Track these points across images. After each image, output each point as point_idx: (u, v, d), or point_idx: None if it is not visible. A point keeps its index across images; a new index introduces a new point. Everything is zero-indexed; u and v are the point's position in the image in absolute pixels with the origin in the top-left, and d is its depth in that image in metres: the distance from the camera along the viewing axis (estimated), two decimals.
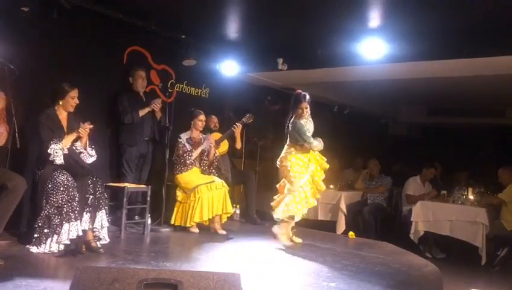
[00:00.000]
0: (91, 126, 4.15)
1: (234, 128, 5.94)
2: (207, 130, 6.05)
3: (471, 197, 6.41)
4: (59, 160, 3.98)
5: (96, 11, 4.90)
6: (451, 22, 4.92)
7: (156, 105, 5.46)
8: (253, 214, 6.23)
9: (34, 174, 4.09)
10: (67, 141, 4.05)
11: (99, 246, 4.01)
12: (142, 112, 5.36)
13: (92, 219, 4.01)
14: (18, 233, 4.20)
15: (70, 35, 4.91)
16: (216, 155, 5.63)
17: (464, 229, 5.96)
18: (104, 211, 4.09)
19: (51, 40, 4.73)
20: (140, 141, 5.43)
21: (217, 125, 6.27)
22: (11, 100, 3.67)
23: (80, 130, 4.10)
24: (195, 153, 5.46)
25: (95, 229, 4.05)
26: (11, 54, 3.92)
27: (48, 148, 3.95)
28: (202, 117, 5.58)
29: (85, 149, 4.23)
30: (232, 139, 6.13)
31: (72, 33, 4.93)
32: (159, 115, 5.55)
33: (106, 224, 4.13)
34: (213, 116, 6.25)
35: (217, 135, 6.05)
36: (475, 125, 10.52)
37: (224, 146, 6.12)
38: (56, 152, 3.97)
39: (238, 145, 6.21)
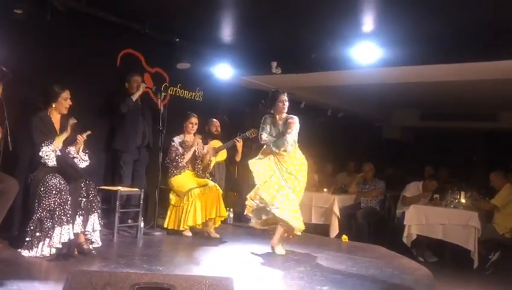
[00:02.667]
0: (89, 132, 4.16)
1: (236, 142, 5.86)
2: (209, 134, 6.01)
3: (463, 201, 6.44)
4: (51, 162, 3.96)
5: (90, 13, 4.88)
6: (444, 26, 4.95)
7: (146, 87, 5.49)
8: None
9: (26, 177, 4.06)
10: (59, 141, 4.04)
11: (92, 249, 3.99)
12: (135, 96, 5.30)
13: (84, 222, 3.99)
14: (9, 237, 4.17)
15: (63, 37, 4.89)
16: (210, 161, 5.61)
17: (456, 232, 5.98)
18: (96, 214, 4.08)
19: (45, 43, 4.71)
20: (134, 147, 5.41)
21: (219, 129, 6.20)
22: (3, 103, 3.65)
23: (78, 138, 4.12)
24: (187, 156, 5.45)
25: (87, 233, 4.03)
26: (4, 56, 3.90)
27: (39, 151, 3.93)
28: (193, 120, 5.56)
29: (78, 154, 4.22)
30: (232, 149, 6.05)
31: (66, 36, 4.91)
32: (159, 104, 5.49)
33: (98, 227, 4.11)
34: (214, 120, 6.18)
35: (217, 143, 5.99)
36: (468, 129, 10.59)
37: (223, 155, 6.07)
38: (47, 154, 3.95)
39: (238, 157, 6.09)
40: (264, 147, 4.75)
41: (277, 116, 4.71)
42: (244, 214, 4.89)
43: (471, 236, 5.83)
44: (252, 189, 4.70)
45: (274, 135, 4.68)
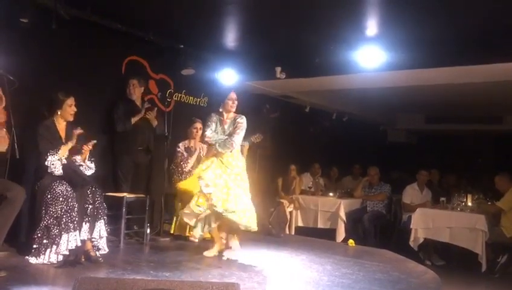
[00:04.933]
0: (94, 142, 4.17)
1: (242, 146, 5.86)
2: None
3: (470, 204, 6.41)
4: (57, 171, 3.98)
5: (94, 21, 4.93)
6: (448, 29, 4.95)
7: (149, 113, 5.41)
8: (267, 225, 6.11)
9: (33, 185, 4.08)
10: (64, 151, 4.06)
11: (99, 255, 4.00)
12: (134, 119, 5.32)
13: (91, 229, 4.01)
14: (17, 244, 4.18)
15: (69, 45, 4.93)
16: None
17: (463, 236, 5.94)
18: (102, 221, 4.09)
19: (50, 51, 4.75)
20: (134, 150, 5.40)
21: None
22: (10, 110, 3.68)
23: (84, 148, 4.14)
24: (192, 161, 5.45)
25: (93, 239, 4.04)
26: (11, 65, 3.94)
27: (45, 161, 3.96)
28: (197, 125, 5.57)
29: (84, 162, 4.24)
30: None
31: (71, 44, 4.95)
32: (154, 123, 5.50)
33: (105, 234, 4.12)
34: None
35: None
36: (473, 132, 10.54)
37: None
38: (53, 164, 3.97)
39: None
40: (208, 150, 4.59)
41: (224, 115, 4.59)
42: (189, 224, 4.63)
43: (478, 239, 5.79)
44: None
45: (219, 133, 4.52)
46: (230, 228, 4.58)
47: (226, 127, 4.54)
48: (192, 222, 4.51)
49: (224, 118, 4.58)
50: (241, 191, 4.43)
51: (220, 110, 4.61)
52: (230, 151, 4.46)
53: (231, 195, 4.35)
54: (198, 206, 4.40)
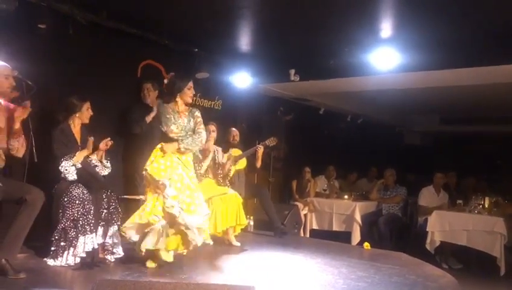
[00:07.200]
0: (111, 142, 4.24)
1: (257, 149, 5.83)
2: (226, 143, 6.02)
3: (487, 206, 6.33)
4: (71, 176, 4.04)
5: (110, 26, 5.00)
6: (463, 30, 4.91)
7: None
8: (280, 226, 6.07)
9: (50, 188, 4.14)
10: (79, 157, 4.11)
11: (110, 259, 4.03)
12: (148, 118, 5.32)
13: (105, 233, 4.05)
14: (35, 246, 4.24)
15: (85, 50, 5.00)
16: (230, 169, 5.62)
17: (481, 239, 5.87)
18: (116, 226, 4.11)
19: (67, 56, 4.82)
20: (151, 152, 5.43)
21: (237, 138, 6.13)
22: (29, 116, 3.74)
23: (100, 146, 4.21)
24: (205, 164, 5.47)
25: (106, 244, 4.08)
26: (29, 70, 4.01)
27: (59, 166, 4.02)
28: (211, 127, 5.54)
29: (100, 162, 4.30)
30: (252, 156, 6.04)
31: (88, 48, 5.02)
32: None
33: (119, 239, 4.14)
34: (233, 129, 6.13)
35: (236, 152, 6.00)
36: (489, 133, 10.41)
37: (243, 163, 6.06)
38: (67, 169, 4.03)
39: (258, 164, 6.04)
40: (166, 147, 4.01)
41: (180, 107, 4.09)
42: (131, 238, 3.96)
43: (496, 242, 5.72)
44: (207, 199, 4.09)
45: (179, 128, 4.05)
46: (183, 239, 4.07)
47: (185, 120, 4.07)
48: (136, 237, 3.93)
49: (181, 110, 4.08)
50: (200, 193, 4.04)
51: (177, 99, 4.07)
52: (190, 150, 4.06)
53: (195, 200, 3.96)
54: (156, 215, 3.85)
